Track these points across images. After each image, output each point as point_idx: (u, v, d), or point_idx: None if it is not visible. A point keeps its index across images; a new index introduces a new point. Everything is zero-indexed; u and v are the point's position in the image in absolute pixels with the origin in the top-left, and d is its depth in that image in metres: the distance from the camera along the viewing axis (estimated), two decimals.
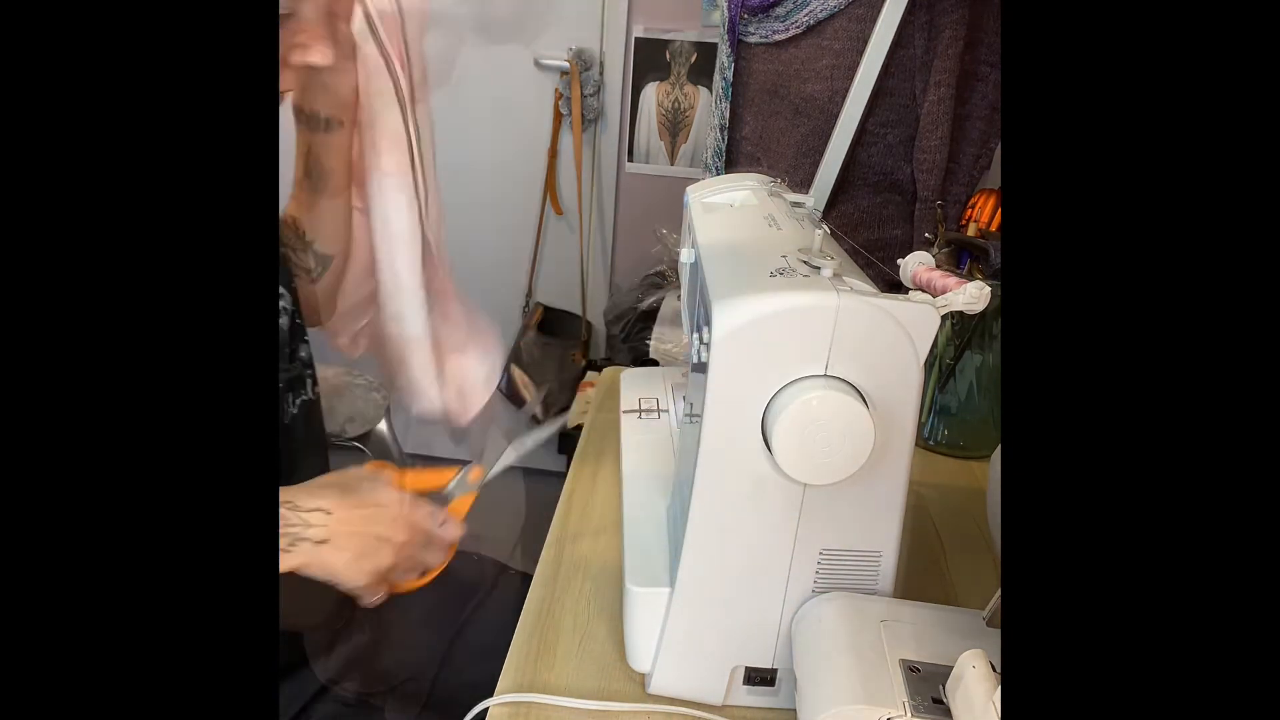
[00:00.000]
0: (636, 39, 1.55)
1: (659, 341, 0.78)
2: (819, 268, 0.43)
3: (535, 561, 0.60)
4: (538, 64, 1.57)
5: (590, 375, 1.65)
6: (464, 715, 0.48)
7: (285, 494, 0.50)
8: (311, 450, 0.64)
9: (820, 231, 0.47)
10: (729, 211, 0.57)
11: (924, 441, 0.77)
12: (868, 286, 0.42)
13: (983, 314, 0.52)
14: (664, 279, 1.28)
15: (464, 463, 0.59)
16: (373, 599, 0.52)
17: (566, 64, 1.54)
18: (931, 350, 0.42)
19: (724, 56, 0.89)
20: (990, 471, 0.64)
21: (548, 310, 1.72)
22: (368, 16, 0.52)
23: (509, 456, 0.58)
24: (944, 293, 0.42)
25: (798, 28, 0.81)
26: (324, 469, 0.65)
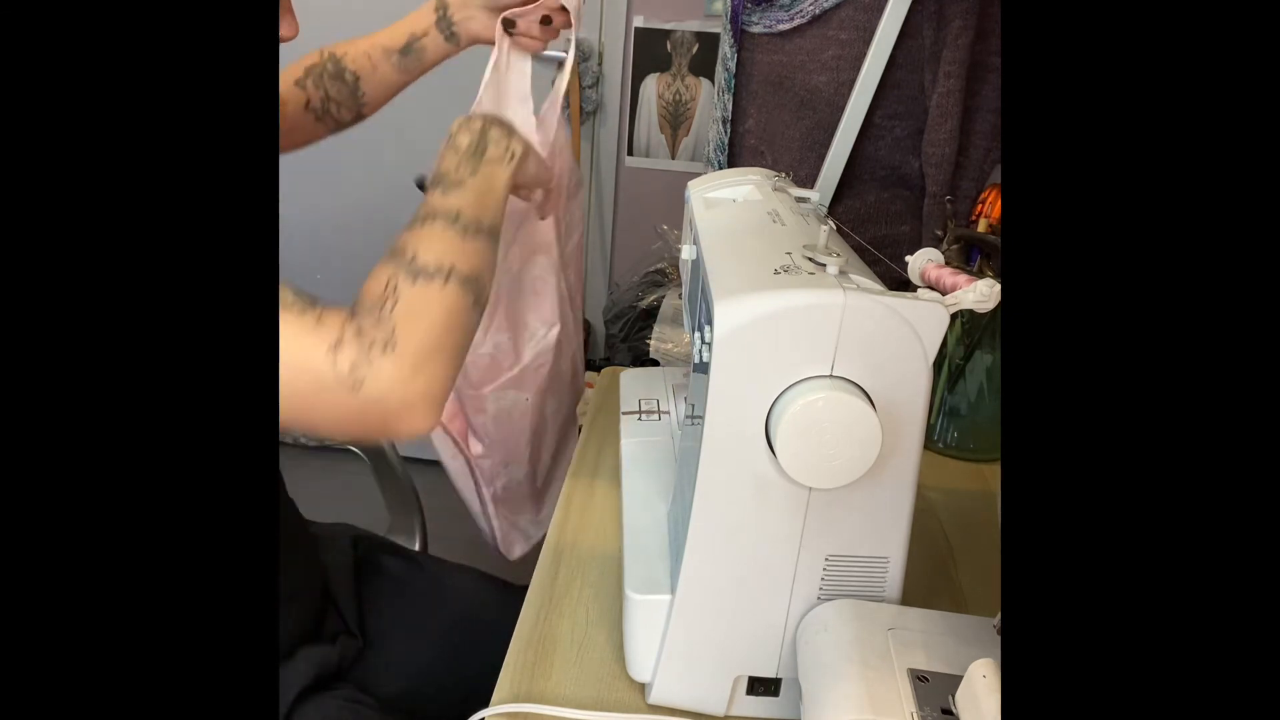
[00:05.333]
0: (636, 29, 1.53)
1: (659, 341, 0.77)
2: (824, 265, 0.42)
3: (532, 567, 0.59)
4: (534, 55, 1.55)
5: (589, 375, 1.64)
6: None
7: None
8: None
9: (826, 227, 0.46)
10: (731, 207, 0.56)
11: (932, 444, 0.76)
12: (875, 284, 0.41)
13: (993, 312, 0.51)
14: (664, 276, 1.27)
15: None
16: None
17: (564, 55, 1.53)
18: (940, 350, 0.41)
19: (726, 47, 0.88)
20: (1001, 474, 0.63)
21: None
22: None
23: None
24: (953, 290, 0.41)
25: (802, 17, 0.80)
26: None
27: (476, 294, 0.47)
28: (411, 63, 0.68)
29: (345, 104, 0.69)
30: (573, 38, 0.71)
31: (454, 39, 0.68)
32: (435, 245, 0.47)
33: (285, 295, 0.42)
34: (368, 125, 1.60)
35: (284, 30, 0.54)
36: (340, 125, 0.73)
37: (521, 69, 0.70)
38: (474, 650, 0.69)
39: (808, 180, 0.83)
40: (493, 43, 0.69)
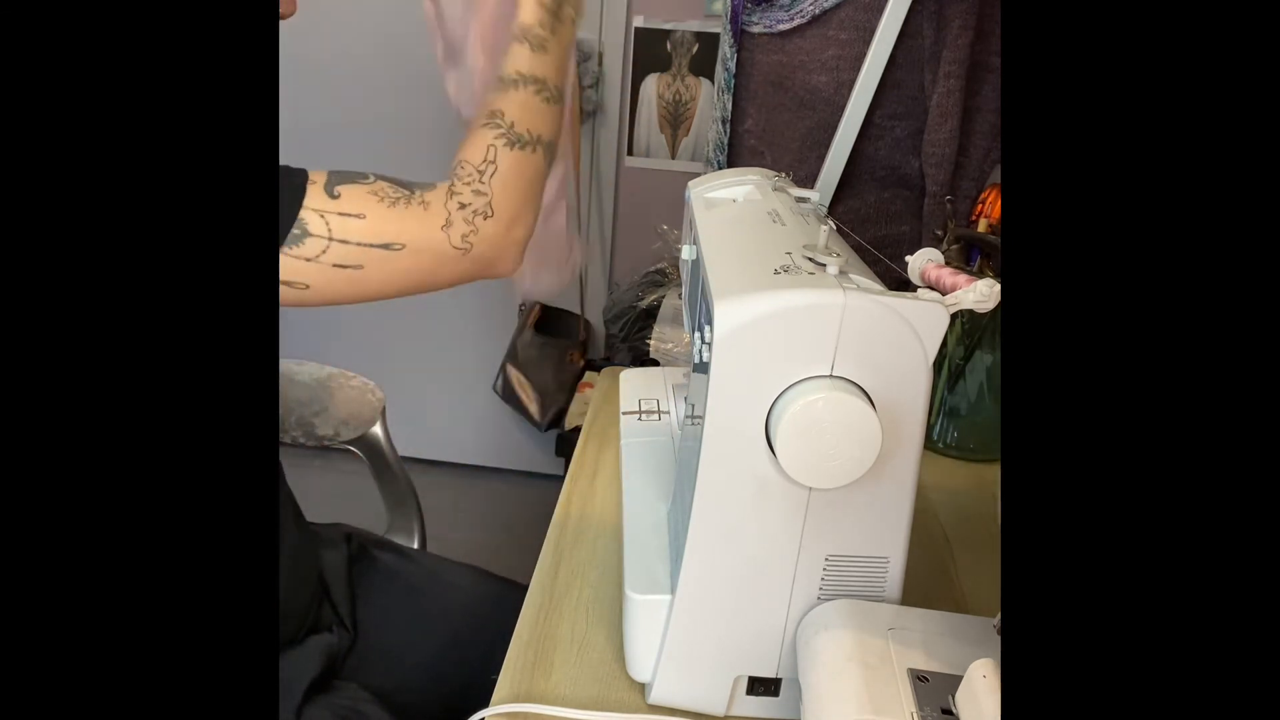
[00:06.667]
0: (636, 29, 1.53)
1: (659, 341, 0.77)
2: (824, 265, 0.42)
3: (532, 567, 0.59)
4: None
5: (589, 375, 1.64)
6: None
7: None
8: None
9: (826, 227, 0.46)
10: (731, 207, 0.56)
11: (932, 444, 0.76)
12: (875, 284, 0.41)
13: (993, 312, 0.51)
14: (664, 276, 1.27)
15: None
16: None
17: None
18: (940, 350, 0.41)
19: (726, 47, 0.88)
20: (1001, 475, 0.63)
21: (545, 309, 1.71)
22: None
23: None
24: (953, 290, 0.41)
25: (802, 17, 0.80)
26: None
27: (552, 157, 0.56)
28: None
29: None
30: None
31: None
32: (527, 113, 0.54)
33: (387, 189, 0.49)
34: (373, 118, 1.57)
35: (283, 7, 0.56)
36: None
37: None
38: (469, 643, 0.70)
39: (808, 180, 0.82)
40: None
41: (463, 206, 0.50)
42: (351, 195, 0.48)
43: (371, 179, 0.49)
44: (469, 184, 0.50)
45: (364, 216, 0.48)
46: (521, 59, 0.55)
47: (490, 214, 0.50)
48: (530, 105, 0.54)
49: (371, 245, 0.48)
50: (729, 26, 0.87)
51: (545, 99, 0.55)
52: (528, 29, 0.56)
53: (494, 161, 0.51)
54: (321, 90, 1.61)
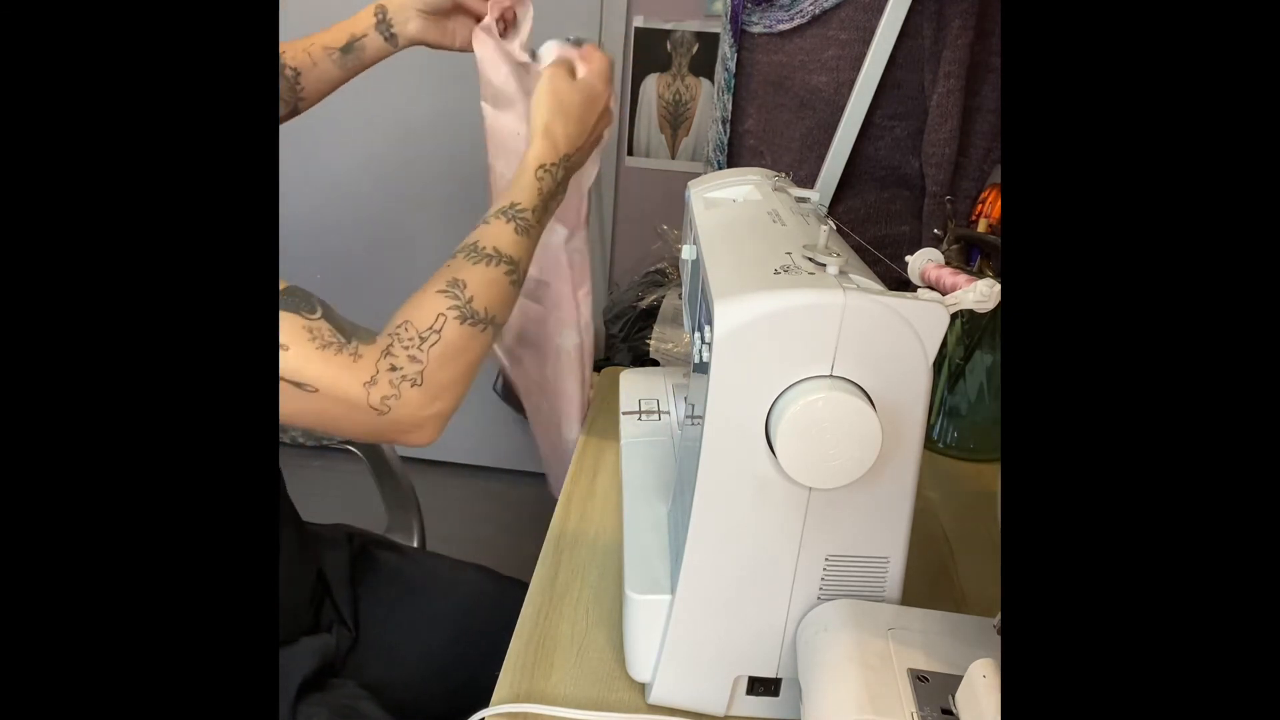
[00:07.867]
0: (636, 29, 1.53)
1: (659, 341, 0.77)
2: (824, 265, 0.42)
3: (532, 567, 0.59)
4: (534, 55, 1.55)
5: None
6: None
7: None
8: None
9: (826, 227, 0.46)
10: (731, 207, 0.56)
11: (932, 444, 0.76)
12: (875, 284, 0.41)
13: (993, 312, 0.51)
14: (665, 276, 1.27)
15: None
16: None
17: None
18: (940, 350, 0.41)
19: (726, 47, 0.88)
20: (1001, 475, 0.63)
21: None
22: None
23: None
24: (953, 290, 0.41)
25: (802, 17, 0.80)
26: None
27: (498, 334, 0.54)
28: (351, 60, 0.71)
29: (283, 98, 0.71)
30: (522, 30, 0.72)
31: (392, 40, 0.71)
32: (491, 291, 0.52)
33: (325, 331, 0.47)
34: (375, 127, 1.59)
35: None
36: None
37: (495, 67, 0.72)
38: (470, 640, 0.70)
39: (808, 180, 0.83)
40: (429, 44, 0.73)
41: (393, 369, 0.48)
42: (287, 326, 0.46)
43: (318, 315, 0.48)
44: (406, 348, 0.48)
45: (287, 349, 0.46)
46: (503, 237, 0.54)
47: (419, 383, 0.48)
48: (497, 284, 0.52)
49: (284, 379, 0.46)
50: (729, 26, 0.87)
51: (512, 281, 0.54)
52: (518, 210, 0.55)
53: (439, 332, 0.49)
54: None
